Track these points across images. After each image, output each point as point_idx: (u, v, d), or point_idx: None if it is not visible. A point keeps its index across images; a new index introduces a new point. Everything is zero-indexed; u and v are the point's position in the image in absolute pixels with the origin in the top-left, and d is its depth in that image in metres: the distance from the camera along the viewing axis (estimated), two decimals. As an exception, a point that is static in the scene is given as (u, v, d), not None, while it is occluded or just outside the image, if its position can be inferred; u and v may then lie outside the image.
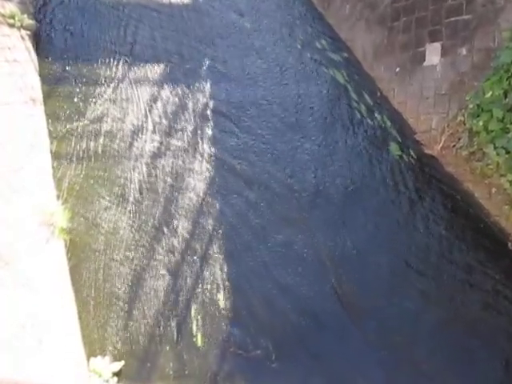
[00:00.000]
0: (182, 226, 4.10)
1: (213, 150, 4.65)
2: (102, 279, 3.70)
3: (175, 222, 4.11)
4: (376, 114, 5.05)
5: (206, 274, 3.83)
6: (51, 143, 4.31)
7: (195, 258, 3.92)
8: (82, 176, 4.23)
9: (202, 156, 4.60)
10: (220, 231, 4.10)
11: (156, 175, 4.39)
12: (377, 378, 3.30)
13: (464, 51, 4.32)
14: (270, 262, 3.92)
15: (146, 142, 4.61)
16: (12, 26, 4.78)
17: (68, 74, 4.88)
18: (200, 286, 3.77)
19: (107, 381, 3.23)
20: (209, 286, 3.77)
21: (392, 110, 5.04)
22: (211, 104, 5.00)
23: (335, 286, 3.75)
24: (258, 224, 4.17)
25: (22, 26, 4.83)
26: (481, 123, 3.92)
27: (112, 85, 4.94)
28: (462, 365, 3.36)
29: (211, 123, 4.85)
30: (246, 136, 4.79)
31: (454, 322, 3.53)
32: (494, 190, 4.05)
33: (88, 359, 3.28)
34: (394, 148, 4.74)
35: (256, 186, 4.43)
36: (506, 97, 3.75)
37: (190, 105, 4.97)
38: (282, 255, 3.97)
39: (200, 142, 4.71)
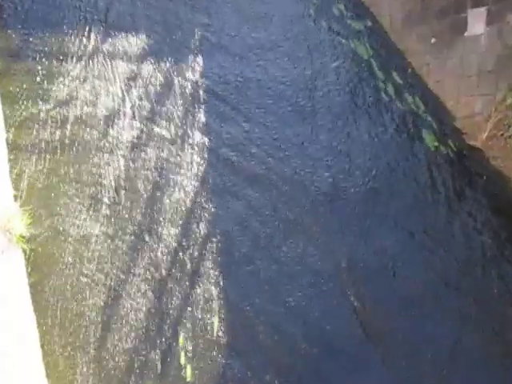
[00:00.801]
0: (168, 233, 4.14)
1: (206, 140, 4.70)
2: (69, 298, 3.74)
3: (160, 229, 4.15)
4: (406, 96, 5.11)
5: (198, 292, 3.88)
6: (7, 131, 4.31)
7: (184, 272, 3.96)
8: (45, 172, 4.24)
9: (192, 148, 4.64)
10: (214, 240, 4.16)
11: (136, 171, 4.44)
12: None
13: (515, 18, 4.40)
14: (275, 278, 3.96)
15: (123, 129, 4.65)
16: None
17: (29, 46, 4.84)
18: (190, 307, 3.81)
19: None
20: (201, 308, 3.81)
21: (426, 90, 5.10)
22: (204, 83, 5.04)
23: (355, 306, 3.82)
24: (261, 231, 4.22)
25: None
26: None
27: (82, 60, 4.96)
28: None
29: (204, 107, 4.89)
30: (247, 123, 4.84)
31: (497, 354, 3.62)
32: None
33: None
34: (428, 138, 4.80)
35: (258, 185, 4.48)
36: None
37: (178, 84, 5.01)
38: (290, 269, 4.02)
39: (190, 130, 4.75)
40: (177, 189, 4.40)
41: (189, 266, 4.00)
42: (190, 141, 4.67)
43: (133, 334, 3.63)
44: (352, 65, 5.29)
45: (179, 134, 4.70)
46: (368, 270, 3.99)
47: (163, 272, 3.95)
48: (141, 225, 4.15)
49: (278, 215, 4.30)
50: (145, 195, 4.32)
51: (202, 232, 4.18)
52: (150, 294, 3.83)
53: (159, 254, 4.02)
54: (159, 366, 3.51)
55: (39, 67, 4.75)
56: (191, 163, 4.54)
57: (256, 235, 4.17)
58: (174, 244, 4.08)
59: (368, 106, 5.01)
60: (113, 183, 4.34)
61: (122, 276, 3.90)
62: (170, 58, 5.13)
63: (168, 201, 4.32)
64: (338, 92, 5.10)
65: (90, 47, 5.01)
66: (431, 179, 4.53)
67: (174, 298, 3.82)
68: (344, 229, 4.22)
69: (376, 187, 4.49)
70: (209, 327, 3.68)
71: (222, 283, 3.91)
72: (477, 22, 4.61)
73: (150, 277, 3.91)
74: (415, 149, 4.76)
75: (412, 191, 4.47)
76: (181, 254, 4.05)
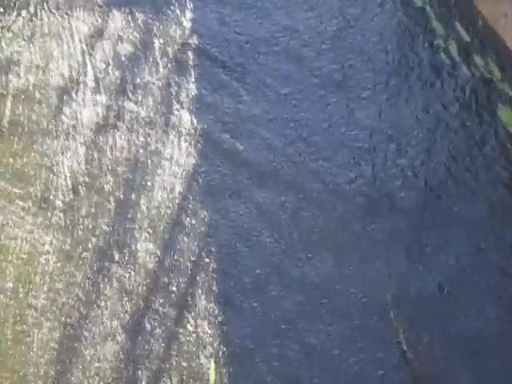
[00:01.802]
0: (146, 248, 4.11)
1: (196, 120, 4.66)
2: (11, 340, 3.71)
3: (134, 243, 4.12)
4: (475, 58, 5.04)
5: (187, 330, 3.83)
6: None
7: (168, 303, 3.91)
8: (-24, 164, 4.26)
9: (177, 131, 4.62)
10: (209, 258, 4.09)
11: (101, 163, 4.42)
12: None
13: None
14: (292, 313, 3.90)
15: (84, 106, 4.65)
16: None
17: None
18: (177, 350, 3.77)
19: None
20: (191, 351, 3.75)
21: (503, 50, 5.05)
22: (194, 43, 5.03)
23: (405, 351, 3.77)
24: (273, 246, 4.15)
25: None
26: None
27: (28, 11, 4.98)
28: None
29: (194, 76, 4.87)
30: (254, 98, 4.80)
31: None
32: None
33: None
34: (505, 114, 4.76)
35: (269, 184, 4.45)
36: None
37: (158, 44, 5.02)
38: (313, 300, 3.96)
39: (175, 107, 4.73)
40: (157, 188, 4.38)
41: (174, 293, 3.95)
42: (175, 121, 4.65)
43: (96, 390, 3.62)
44: (399, 13, 5.30)
45: (160, 112, 4.71)
46: (426, 303, 3.95)
47: (139, 303, 3.91)
48: (108, 237, 4.14)
49: (296, 225, 4.23)
50: (113, 197, 4.30)
51: (191, 247, 4.13)
52: (121, 333, 3.79)
53: (133, 277, 3.99)
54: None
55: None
56: (177, 152, 4.51)
57: (266, 252, 4.14)
58: (154, 264, 4.06)
59: (422, 72, 4.98)
60: (69, 180, 4.31)
61: (83, 309, 3.87)
62: (147, 8, 5.14)
63: (145, 204, 4.29)
64: (380, 52, 5.08)
65: (38, -7, 5.18)
66: None
67: (155, 339, 3.78)
68: (392, 245, 4.19)
69: (435, 190, 4.43)
70: (203, 377, 3.65)
71: (219, 318, 3.86)
72: None
73: (120, 309, 3.87)
74: (488, 130, 4.71)
75: (486, 192, 4.40)
76: (163, 277, 4.01)
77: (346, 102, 4.82)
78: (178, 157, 4.51)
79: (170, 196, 4.33)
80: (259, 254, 4.14)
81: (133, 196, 4.33)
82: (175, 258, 4.09)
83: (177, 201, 4.32)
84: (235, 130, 4.65)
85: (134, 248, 4.11)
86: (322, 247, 4.16)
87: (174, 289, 3.97)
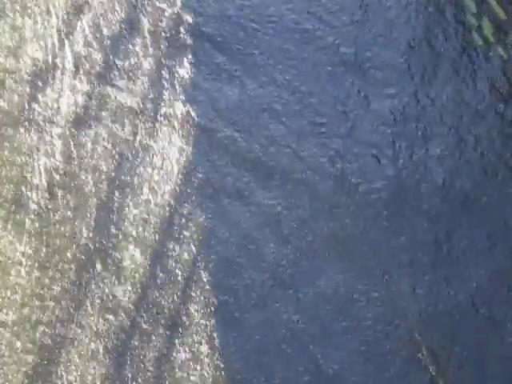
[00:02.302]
0: (133, 261, 4.10)
1: (192, 110, 4.66)
2: None
3: (119, 254, 4.13)
4: None
5: (180, 355, 3.87)
6: None
7: (159, 323, 3.92)
8: None
9: (169, 122, 4.62)
10: (206, 272, 4.10)
11: (81, 160, 4.40)
12: None
13: None
14: (300, 331, 3.92)
15: (61, 93, 4.64)
16: None
17: None
18: (167, 378, 3.80)
19: None
20: (185, 378, 3.79)
21: None
22: (188, 19, 5.04)
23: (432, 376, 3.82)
24: (281, 255, 4.15)
25: None
26: None
27: None
28: None
29: (188, 58, 4.91)
30: (258, 83, 4.80)
31: None
32: None
33: None
34: None
35: (276, 180, 4.48)
36: None
37: (147, 21, 5.00)
38: (325, 318, 3.94)
39: (166, 95, 4.72)
40: (146, 189, 4.39)
41: (165, 313, 3.97)
42: (166, 111, 4.66)
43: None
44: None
45: (149, 100, 4.71)
46: (453, 320, 3.97)
47: (125, 323, 3.92)
48: (88, 247, 4.13)
49: (308, 230, 4.23)
50: (95, 199, 4.30)
51: (186, 258, 4.14)
52: (104, 356, 3.80)
53: (119, 292, 4.00)
54: None
55: None
56: (168, 148, 4.51)
57: (271, 262, 4.14)
58: (142, 278, 4.06)
59: (451, 54, 4.99)
60: (44, 180, 4.32)
61: (61, 329, 3.87)
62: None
63: (132, 208, 4.30)
64: (404, 32, 5.07)
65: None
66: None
67: (143, 362, 3.81)
68: (413, 257, 4.20)
69: (468, 195, 4.44)
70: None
71: (217, 341, 3.89)
72: None
73: (104, 329, 3.88)
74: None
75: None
76: (153, 293, 4.00)
77: (362, 88, 4.82)
78: (169, 152, 4.51)
79: (160, 197, 4.34)
80: (262, 264, 4.14)
81: (117, 198, 4.33)
82: (167, 270, 4.09)
83: (168, 203, 4.32)
84: (237, 121, 4.65)
85: (117, 259, 4.11)
86: (335, 254, 4.18)
87: (165, 307, 3.98)
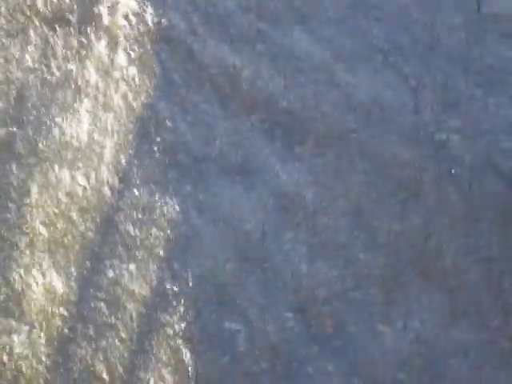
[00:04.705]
0: (114, 292, 3.75)
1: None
2: None
3: (100, 278, 3.75)
4: None
5: None
6: None
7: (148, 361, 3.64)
8: None
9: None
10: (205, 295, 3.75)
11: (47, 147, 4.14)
12: None
13: None
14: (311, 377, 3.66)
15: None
16: None
17: None
18: None
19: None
20: None
21: None
22: None
23: None
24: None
25: None
26: None
27: None
28: None
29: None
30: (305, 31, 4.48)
31: None
32: None
33: None
34: None
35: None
36: None
37: None
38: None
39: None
40: (136, 191, 4.01)
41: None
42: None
43: None
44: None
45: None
46: None
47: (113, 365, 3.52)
48: (64, 271, 3.79)
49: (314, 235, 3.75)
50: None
51: (185, 272, 3.76)
52: None
53: (101, 325, 3.62)
54: None
55: None
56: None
57: (259, 289, 3.75)
58: (133, 323, 3.70)
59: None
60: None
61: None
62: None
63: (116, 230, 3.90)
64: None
65: None
66: None
67: None
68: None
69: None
70: None
71: None
72: None
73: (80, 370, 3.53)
74: None
75: None
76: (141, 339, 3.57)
77: (395, 74, 4.49)
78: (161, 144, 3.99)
79: (149, 197, 3.85)
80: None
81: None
82: (161, 302, 3.60)
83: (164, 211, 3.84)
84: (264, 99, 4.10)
85: (100, 280, 3.67)
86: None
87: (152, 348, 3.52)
